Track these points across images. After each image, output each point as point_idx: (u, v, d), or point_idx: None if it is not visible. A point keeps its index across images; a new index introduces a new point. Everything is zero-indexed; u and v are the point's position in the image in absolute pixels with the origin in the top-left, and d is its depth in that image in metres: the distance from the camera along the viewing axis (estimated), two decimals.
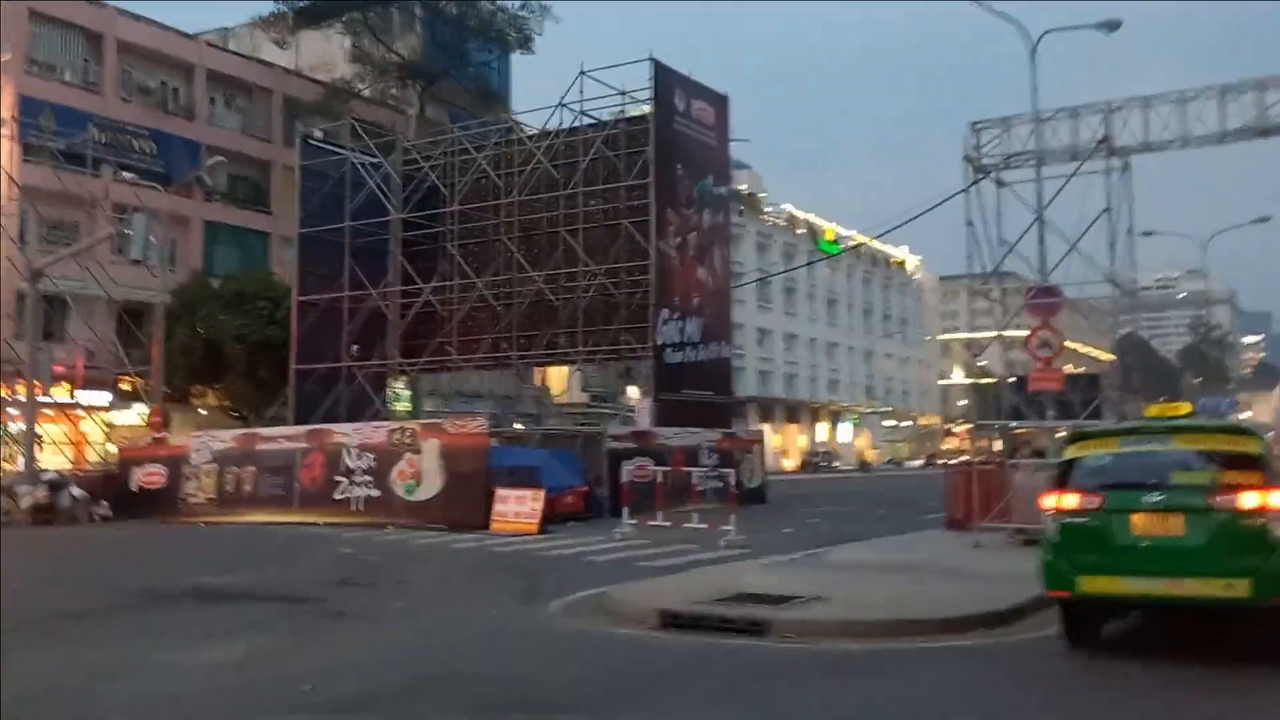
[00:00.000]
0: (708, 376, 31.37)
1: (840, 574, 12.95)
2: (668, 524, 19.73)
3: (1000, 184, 19.78)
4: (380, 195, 33.89)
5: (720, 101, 33.05)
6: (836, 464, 79.60)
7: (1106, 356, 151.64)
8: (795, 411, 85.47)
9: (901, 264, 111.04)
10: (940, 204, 22.71)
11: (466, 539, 19.23)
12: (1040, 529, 8.55)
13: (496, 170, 33.97)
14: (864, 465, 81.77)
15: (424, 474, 22.26)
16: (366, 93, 46.76)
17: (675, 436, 27.29)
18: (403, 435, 23.24)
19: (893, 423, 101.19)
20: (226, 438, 26.58)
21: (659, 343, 29.67)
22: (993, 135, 19.87)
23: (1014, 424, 19.98)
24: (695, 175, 31.54)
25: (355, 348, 33.49)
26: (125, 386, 34.39)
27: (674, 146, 30.91)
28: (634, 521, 19.46)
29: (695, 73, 32.03)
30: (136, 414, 33.46)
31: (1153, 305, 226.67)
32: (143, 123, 39.94)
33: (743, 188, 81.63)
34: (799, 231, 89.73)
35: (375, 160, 34.10)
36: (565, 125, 32.15)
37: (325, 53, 48.13)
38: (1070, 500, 8.00)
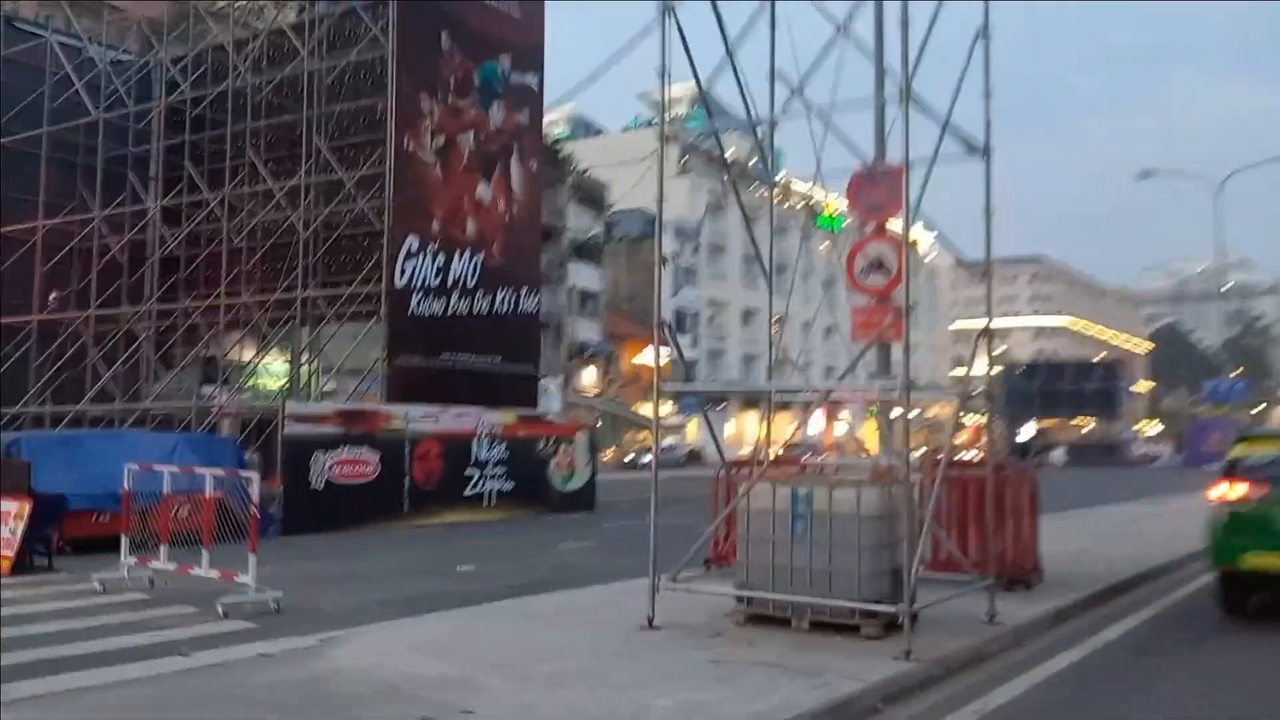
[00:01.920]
0: (498, 337, 24.07)
1: None
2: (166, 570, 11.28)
3: None
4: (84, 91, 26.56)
5: None
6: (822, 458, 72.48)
7: (1144, 345, 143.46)
8: (786, 401, 78.41)
9: (914, 243, 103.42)
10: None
11: None
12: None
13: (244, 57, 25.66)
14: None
15: None
16: None
17: (427, 419, 20.01)
18: None
19: (898, 411, 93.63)
20: None
21: (401, 284, 22.14)
22: None
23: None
24: (480, 54, 23.84)
25: (54, 296, 26.36)
26: None
27: (438, 11, 23.44)
28: (135, 563, 11.49)
29: None
30: None
31: (1196, 297, 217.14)
32: None
33: (730, 152, 74.74)
34: (788, 205, 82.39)
35: (79, 44, 26.99)
36: None
37: None
38: (1238, 490, 9.34)
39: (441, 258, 22.99)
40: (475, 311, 23.38)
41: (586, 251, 58.45)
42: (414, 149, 22.50)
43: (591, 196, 59.07)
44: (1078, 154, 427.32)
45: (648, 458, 53.86)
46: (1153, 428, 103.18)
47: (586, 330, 57.57)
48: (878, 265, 9.39)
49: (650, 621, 8.32)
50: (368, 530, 16.50)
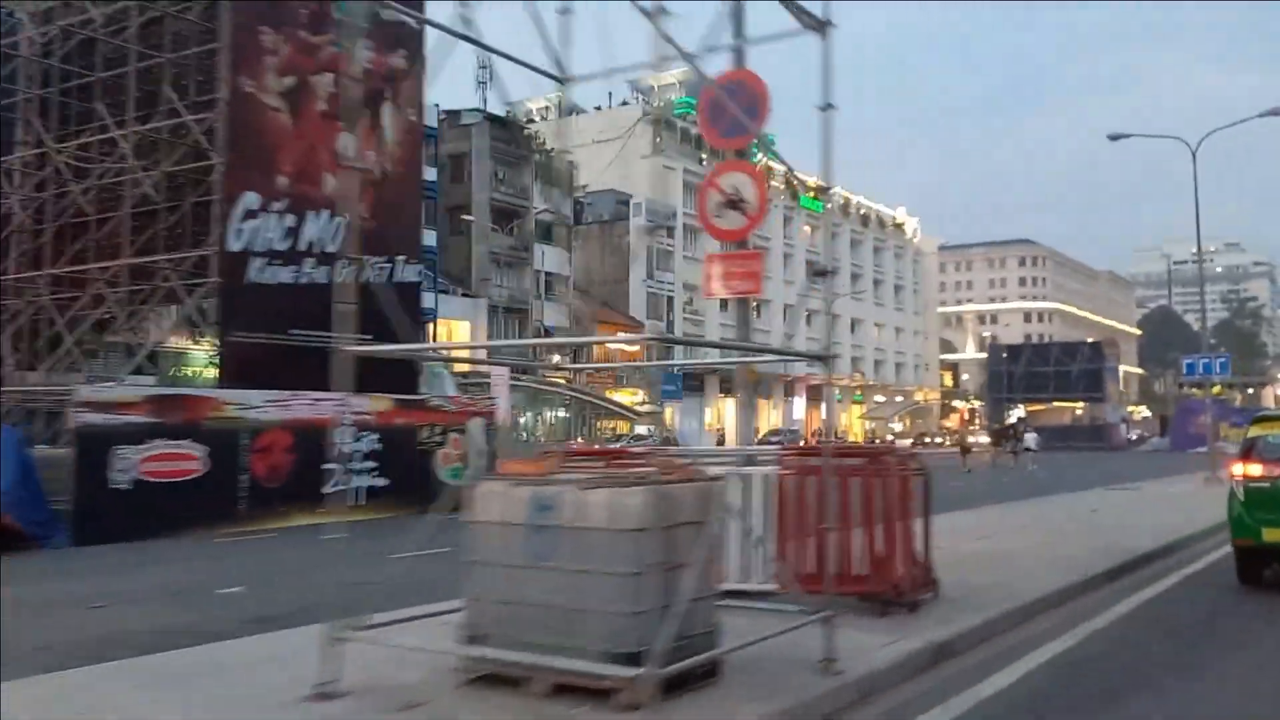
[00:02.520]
0: (369, 313, 21.19)
1: None
2: None
3: None
4: None
5: None
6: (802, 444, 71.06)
7: (1132, 331, 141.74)
8: (765, 386, 76.70)
9: (900, 225, 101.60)
10: None
11: None
12: None
13: None
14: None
15: None
16: None
17: (273, 405, 17.12)
18: None
19: (883, 398, 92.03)
20: None
21: (237, 246, 19.39)
22: None
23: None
24: None
25: None
26: None
27: None
28: None
29: None
30: None
31: (1189, 280, 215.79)
32: None
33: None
34: (773, 184, 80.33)
35: None
36: None
37: None
38: (1254, 469, 9.62)
39: (291, 218, 20.23)
40: (334, 282, 20.89)
41: (554, 234, 56.54)
42: (254, 91, 19.83)
43: (559, 177, 57.09)
44: (1078, 134, 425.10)
45: (614, 446, 52.35)
46: (1145, 411, 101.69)
47: (553, 314, 55.73)
48: (734, 202, 7.43)
49: (327, 688, 5.48)
50: (190, 537, 14.33)
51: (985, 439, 37.97)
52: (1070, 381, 69.01)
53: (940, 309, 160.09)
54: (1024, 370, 70.48)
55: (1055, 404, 73.06)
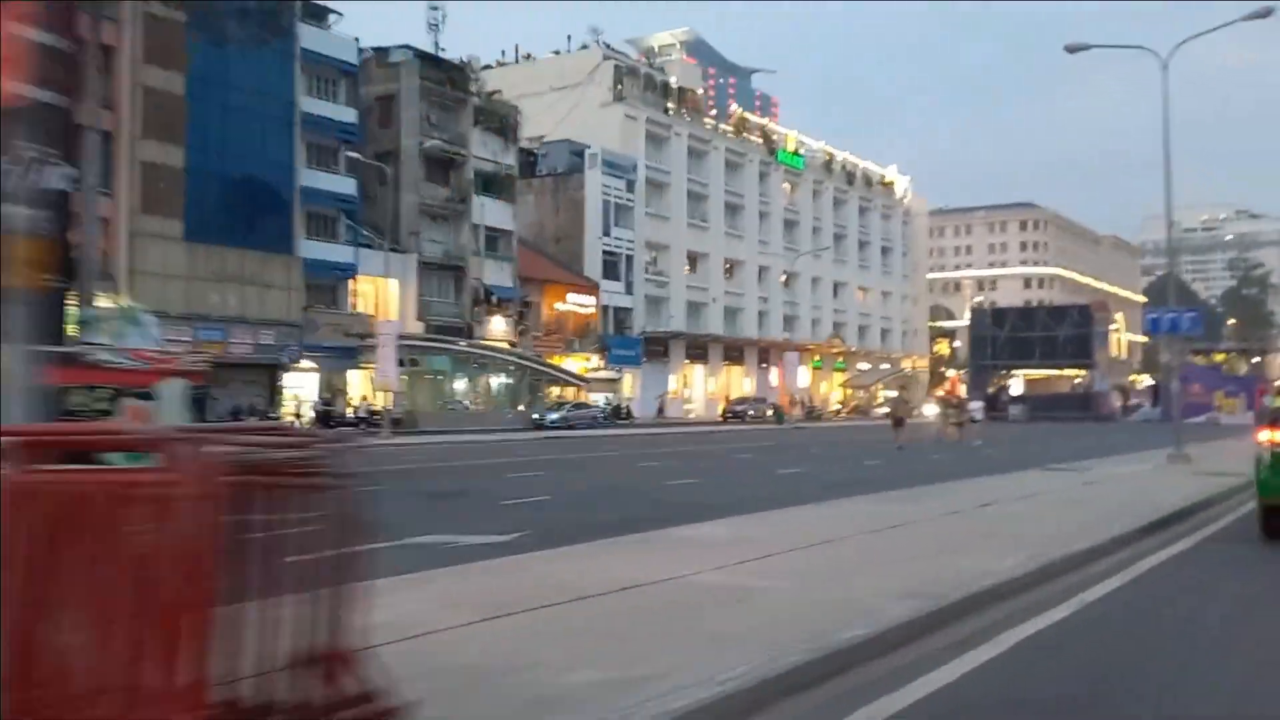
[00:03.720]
0: None
1: None
2: None
3: None
4: None
5: None
6: (772, 414, 66.97)
7: (1138, 298, 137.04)
8: (737, 351, 72.49)
9: (889, 184, 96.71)
10: None
11: None
12: None
13: None
14: (812, 414, 68.27)
15: None
16: None
17: None
18: None
19: (866, 365, 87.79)
20: None
21: None
22: None
23: None
24: None
25: None
26: None
27: None
28: None
29: None
30: None
31: (1198, 248, 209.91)
32: None
33: (671, 79, 68.13)
34: (751, 139, 75.69)
35: None
36: None
37: None
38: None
39: None
40: None
41: (496, 185, 52.21)
42: None
43: (502, 123, 52.67)
44: (1092, 101, 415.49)
45: (554, 415, 48.35)
46: (1149, 380, 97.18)
47: (495, 273, 51.55)
48: None
49: None
50: None
51: (933, 409, 33.94)
52: (1057, 347, 64.63)
53: (937, 274, 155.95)
54: (1008, 335, 66.06)
55: (1043, 371, 68.70)
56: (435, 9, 68.65)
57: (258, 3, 38.73)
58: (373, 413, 42.57)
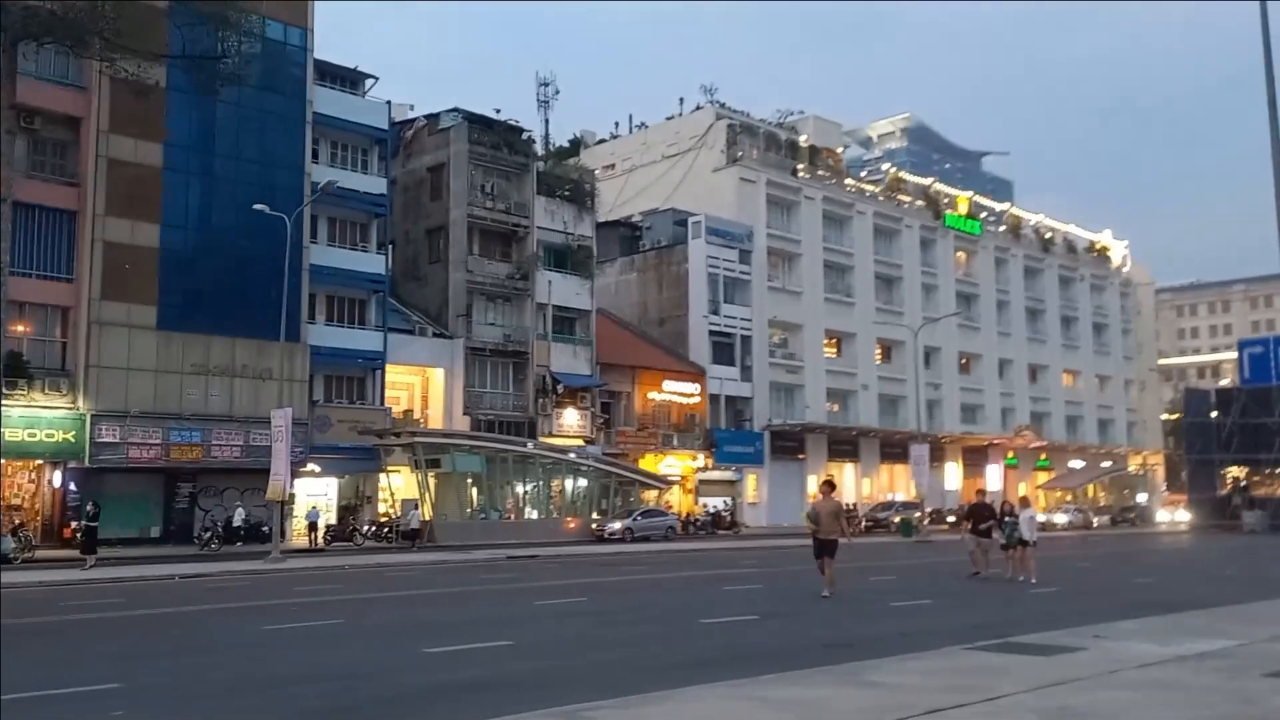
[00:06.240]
0: None
1: None
2: None
3: None
4: None
5: None
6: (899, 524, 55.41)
7: None
8: (899, 448, 61.37)
9: (1103, 251, 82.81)
10: None
11: None
12: None
13: None
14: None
15: None
16: None
17: None
18: None
19: (1080, 463, 73.40)
20: None
21: None
22: None
23: None
24: None
25: None
26: None
27: None
28: None
29: None
30: None
31: None
32: None
33: (801, 138, 60.03)
34: (906, 202, 65.70)
35: None
36: None
37: None
38: None
39: None
40: None
41: (569, 259, 45.82)
42: None
43: (575, 189, 46.50)
44: None
45: (616, 525, 40.18)
46: None
47: (567, 359, 44.72)
48: None
49: None
50: None
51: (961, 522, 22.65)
52: None
53: (1190, 359, 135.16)
54: (1236, 422, 51.60)
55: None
56: (546, 84, 64.72)
57: (254, 63, 34.62)
58: (377, 524, 36.37)
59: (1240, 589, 16.12)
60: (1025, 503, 20.92)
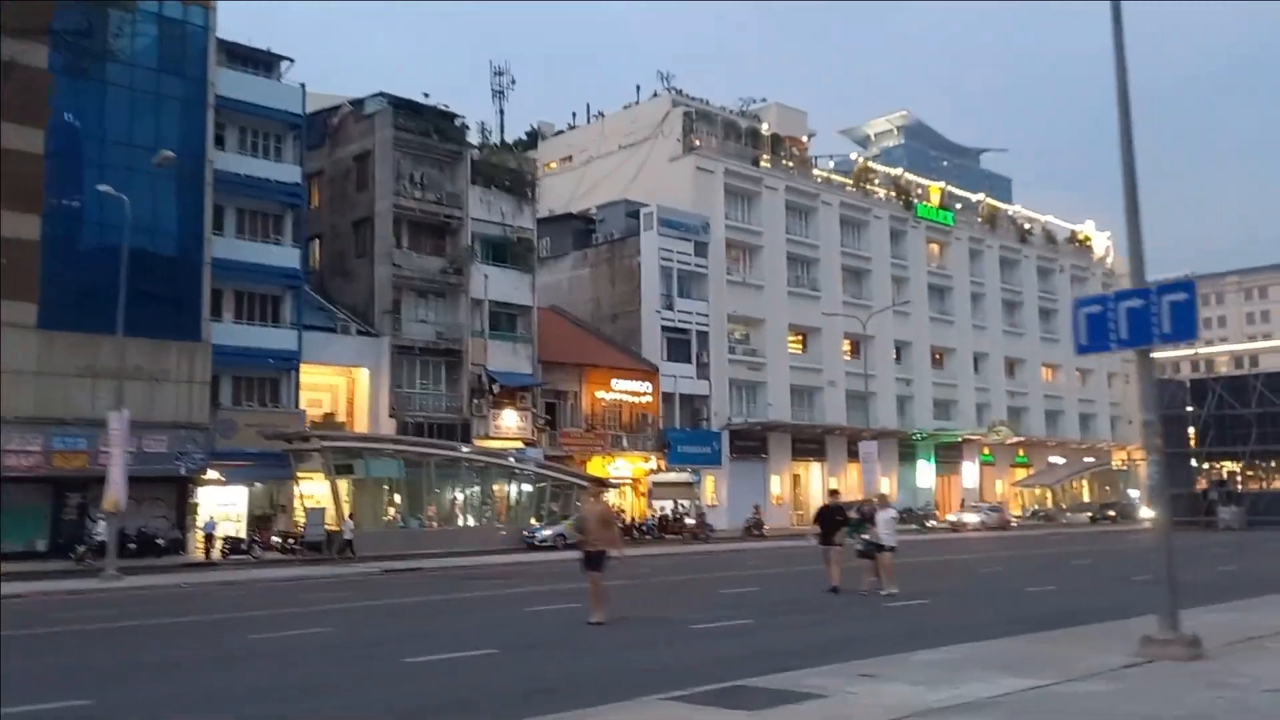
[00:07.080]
0: None
1: None
2: None
3: None
4: None
5: None
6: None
7: None
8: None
9: (1085, 242, 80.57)
10: None
11: None
12: None
13: None
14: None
15: None
16: None
17: None
18: None
19: (1060, 459, 71.03)
20: None
21: None
22: None
23: None
24: None
25: None
26: None
27: None
28: None
29: None
30: None
31: None
32: None
33: (763, 126, 57.60)
34: (877, 193, 63.29)
35: None
36: None
37: None
38: None
39: None
40: None
41: (508, 253, 43.34)
42: None
43: (513, 179, 44.02)
44: None
45: (546, 531, 37.68)
46: None
47: (506, 357, 42.22)
48: None
49: None
50: None
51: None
52: None
53: (1184, 352, 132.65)
54: (1211, 414, 49.16)
55: (1258, 462, 50.70)
56: (501, 74, 62.25)
57: (124, 40, 32.06)
58: (284, 536, 33.91)
59: (1138, 598, 13.78)
60: (884, 502, 18.45)
